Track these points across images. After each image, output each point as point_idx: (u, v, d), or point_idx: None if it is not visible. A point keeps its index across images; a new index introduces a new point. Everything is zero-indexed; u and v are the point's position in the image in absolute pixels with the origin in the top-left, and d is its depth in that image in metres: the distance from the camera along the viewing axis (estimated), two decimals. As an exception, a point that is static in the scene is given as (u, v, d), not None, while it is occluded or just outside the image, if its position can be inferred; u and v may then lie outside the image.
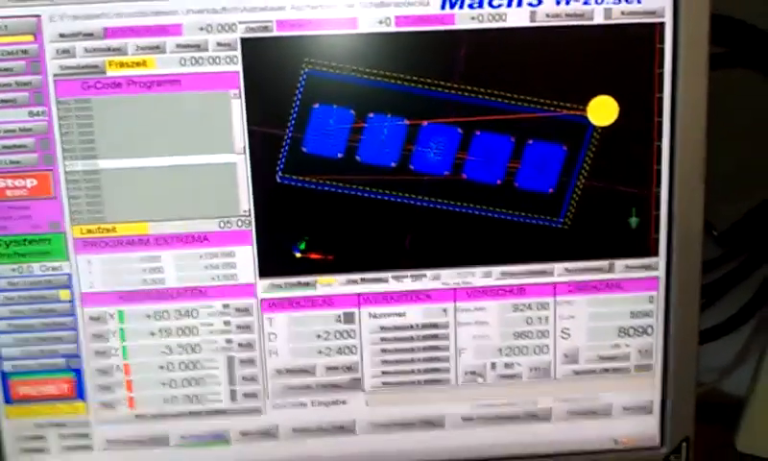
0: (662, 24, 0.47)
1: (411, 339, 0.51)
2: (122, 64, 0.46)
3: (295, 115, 0.47)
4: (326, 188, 0.48)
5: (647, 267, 0.50)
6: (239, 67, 0.47)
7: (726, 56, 0.64)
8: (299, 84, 0.47)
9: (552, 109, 0.48)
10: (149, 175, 0.48)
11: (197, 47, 0.46)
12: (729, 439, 0.59)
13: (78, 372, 0.50)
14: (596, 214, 0.49)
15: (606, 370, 0.51)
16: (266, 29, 0.46)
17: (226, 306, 0.50)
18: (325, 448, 0.52)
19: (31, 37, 0.46)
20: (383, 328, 0.50)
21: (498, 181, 0.48)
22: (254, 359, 0.50)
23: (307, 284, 0.50)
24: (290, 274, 0.49)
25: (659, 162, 0.48)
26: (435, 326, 0.50)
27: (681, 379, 0.51)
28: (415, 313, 0.50)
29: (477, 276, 0.50)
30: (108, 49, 0.46)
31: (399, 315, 0.50)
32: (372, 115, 0.47)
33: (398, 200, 0.48)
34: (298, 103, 0.47)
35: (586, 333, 0.51)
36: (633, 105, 0.48)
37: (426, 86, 0.47)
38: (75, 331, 0.50)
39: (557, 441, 0.52)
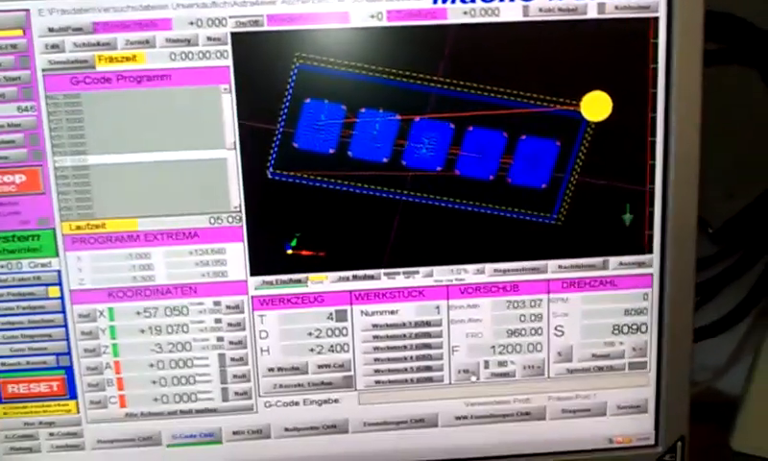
0: (656, 19, 0.46)
1: (403, 337, 0.50)
2: (111, 59, 0.46)
3: (286, 110, 0.47)
4: (318, 184, 0.48)
5: (641, 264, 0.50)
6: (230, 62, 0.46)
7: (721, 52, 0.63)
8: (290, 79, 0.46)
9: (545, 104, 0.47)
10: (139, 171, 0.47)
11: (187, 42, 0.46)
12: (724, 438, 0.59)
13: (68, 370, 0.50)
14: (590, 211, 0.49)
15: (600, 368, 0.51)
16: (256, 23, 0.46)
17: (216, 304, 0.49)
18: (318, 447, 0.51)
19: (20, 32, 0.46)
20: (375, 326, 0.50)
21: (491, 177, 0.48)
22: (246, 357, 0.50)
23: (299, 282, 0.49)
24: (281, 271, 0.49)
25: (653, 158, 0.48)
26: (427, 323, 0.50)
27: (675, 378, 0.50)
28: (407, 311, 0.50)
29: (470, 273, 0.49)
30: (98, 44, 0.46)
31: (392, 313, 0.50)
32: (363, 110, 0.47)
33: (390, 196, 0.48)
34: (289, 98, 0.47)
35: (579, 331, 0.50)
36: (626, 100, 0.47)
37: (418, 82, 0.47)
38: (65, 329, 0.49)
39: (551, 440, 0.52)
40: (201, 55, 0.46)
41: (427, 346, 0.50)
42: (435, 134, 0.47)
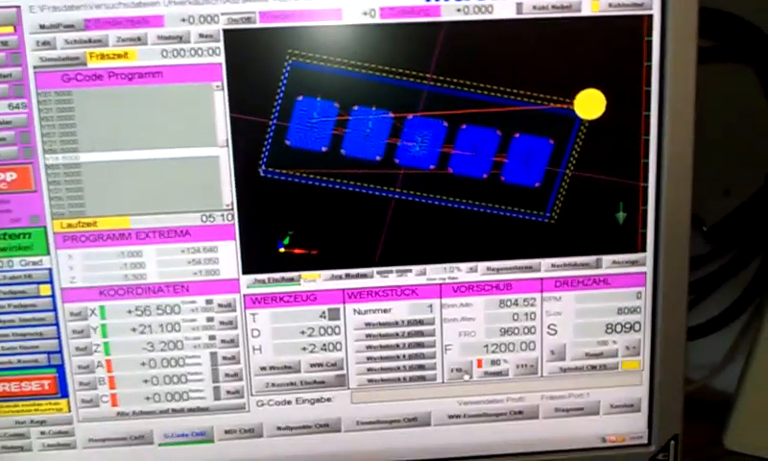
0: (650, 16, 0.46)
1: (396, 336, 0.50)
2: (103, 56, 0.46)
3: (278, 108, 0.47)
4: (310, 182, 0.48)
5: (634, 263, 0.50)
6: (222, 59, 0.46)
7: (716, 50, 0.63)
8: (282, 77, 0.46)
9: (539, 102, 0.47)
10: (130, 168, 0.47)
11: (179, 39, 0.46)
12: (718, 437, 0.59)
13: (59, 368, 0.50)
14: (583, 209, 0.49)
15: (593, 367, 0.51)
16: (249, 20, 0.46)
17: (208, 302, 0.49)
18: (310, 446, 0.51)
19: (10, 29, 0.45)
20: (368, 325, 0.50)
21: (484, 175, 0.48)
22: (238, 356, 0.50)
23: (291, 280, 0.49)
24: (274, 269, 0.49)
25: (646, 156, 0.48)
26: (420, 322, 0.50)
27: (669, 376, 0.50)
28: (400, 309, 0.50)
29: (463, 271, 0.49)
30: (89, 41, 0.46)
31: (385, 311, 0.50)
32: (356, 108, 0.47)
33: (383, 194, 0.48)
34: (281, 95, 0.46)
35: (572, 330, 0.50)
36: (620, 98, 0.47)
37: (411, 79, 0.47)
38: (56, 327, 0.49)
39: (544, 439, 0.52)
40: (193, 52, 0.46)
41: (420, 345, 0.50)
42: (428, 132, 0.47)
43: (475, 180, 0.48)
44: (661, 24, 0.46)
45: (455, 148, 0.47)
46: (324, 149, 0.47)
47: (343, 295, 0.49)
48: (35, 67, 0.46)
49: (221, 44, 0.46)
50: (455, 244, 0.49)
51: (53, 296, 0.49)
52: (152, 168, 0.47)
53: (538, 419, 0.52)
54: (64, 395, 0.50)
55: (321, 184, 0.48)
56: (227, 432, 0.51)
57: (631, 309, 0.50)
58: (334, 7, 0.46)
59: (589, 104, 0.47)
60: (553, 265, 0.49)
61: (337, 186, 0.48)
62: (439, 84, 0.47)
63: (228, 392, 0.50)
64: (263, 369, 0.50)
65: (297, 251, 0.48)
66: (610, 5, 0.46)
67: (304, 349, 0.50)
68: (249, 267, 0.49)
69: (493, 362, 0.51)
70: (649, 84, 0.47)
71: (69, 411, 0.50)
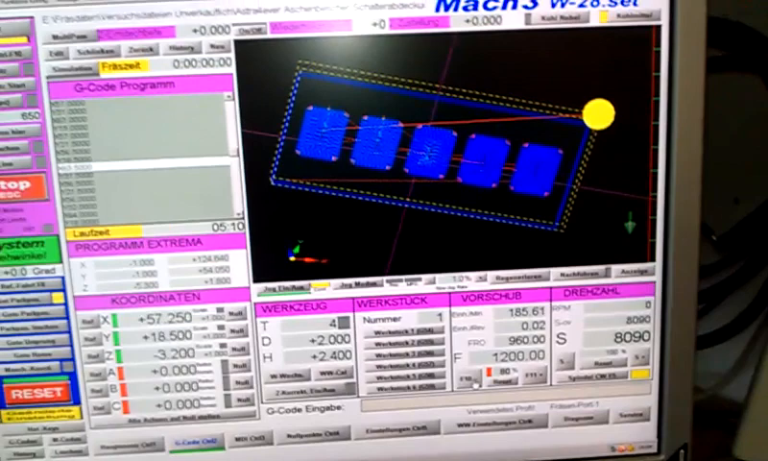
0: (659, 27, 0.47)
1: (406, 344, 0.50)
2: (115, 66, 0.46)
3: (289, 118, 0.47)
4: (320, 191, 0.48)
5: (643, 272, 0.49)
6: (233, 69, 0.46)
7: (723, 59, 0.63)
8: (292, 87, 0.47)
9: (548, 112, 0.47)
10: (142, 177, 0.47)
11: (190, 49, 0.46)
12: (728, 446, 0.58)
13: (72, 375, 0.50)
14: (592, 219, 0.49)
15: (602, 376, 0.51)
16: (260, 31, 0.46)
17: (219, 310, 0.49)
18: (320, 454, 0.51)
19: (24, 39, 0.46)
20: (378, 333, 0.50)
21: (493, 185, 0.48)
22: (248, 364, 0.50)
23: (301, 288, 0.49)
24: (284, 278, 0.49)
25: (655, 166, 0.48)
26: (430, 330, 0.50)
27: (678, 386, 0.50)
28: (410, 318, 0.50)
29: (472, 280, 0.49)
30: (102, 51, 0.46)
31: (394, 320, 0.50)
32: (366, 118, 0.47)
33: (393, 203, 0.48)
34: (291, 105, 0.47)
35: (582, 339, 0.50)
36: (629, 108, 0.47)
37: (421, 89, 0.47)
38: (68, 335, 0.49)
39: (553, 447, 0.52)
40: (204, 62, 0.46)
41: (429, 353, 0.50)
42: (437, 142, 0.47)
43: (484, 189, 0.48)
44: (670, 35, 0.46)
45: (464, 158, 0.48)
46: (333, 158, 0.47)
47: (353, 303, 0.49)
48: (48, 77, 0.46)
49: (232, 55, 0.46)
50: (464, 253, 0.49)
51: (65, 304, 0.49)
52: (163, 177, 0.47)
53: (547, 428, 0.52)
54: (77, 402, 0.50)
55: (331, 194, 0.48)
56: (237, 440, 0.51)
57: (640, 319, 0.50)
58: (344, 18, 0.46)
59: (598, 114, 0.47)
60: (562, 274, 0.49)
61: (347, 196, 0.48)
62: (448, 95, 0.47)
63: (239, 399, 0.50)
64: (273, 377, 0.50)
65: (307, 259, 0.49)
66: (618, 16, 0.46)
67: (314, 357, 0.50)
68: (259, 275, 0.49)
69: (503, 371, 0.51)
70: (658, 95, 0.47)
71: (81, 418, 0.50)
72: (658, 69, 0.47)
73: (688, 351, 0.50)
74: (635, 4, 0.46)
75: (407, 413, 0.51)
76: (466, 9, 0.46)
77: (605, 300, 0.50)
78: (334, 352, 0.50)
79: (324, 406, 0.51)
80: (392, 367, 0.50)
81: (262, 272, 0.49)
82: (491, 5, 0.46)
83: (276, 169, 0.47)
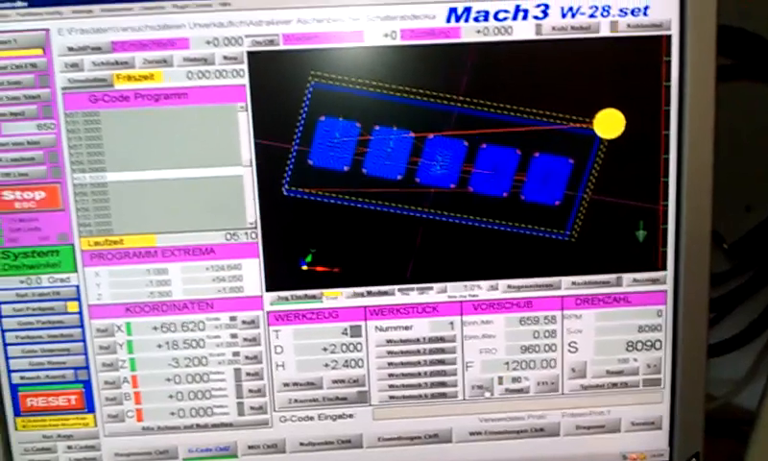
0: (669, 37, 0.47)
1: (417, 352, 0.50)
2: (129, 78, 0.47)
3: (301, 128, 0.47)
4: (332, 201, 0.48)
5: (655, 281, 0.49)
6: (246, 81, 0.47)
7: (733, 67, 0.63)
8: (305, 98, 0.47)
9: (559, 121, 0.47)
10: (156, 187, 0.48)
11: (204, 61, 0.47)
12: (740, 454, 0.58)
13: (86, 384, 0.50)
14: (603, 227, 0.49)
15: (614, 384, 0.51)
16: (272, 42, 0.46)
17: (232, 319, 0.50)
18: (332, 462, 0.52)
19: (40, 51, 0.46)
20: (390, 342, 0.50)
21: (504, 194, 0.48)
22: (261, 372, 0.50)
23: (313, 297, 0.49)
24: (296, 286, 0.49)
25: (666, 175, 0.48)
26: (441, 339, 0.50)
27: (690, 394, 0.50)
28: (421, 326, 0.50)
29: (484, 289, 0.50)
30: (116, 63, 0.47)
31: (406, 328, 0.50)
32: (377, 128, 0.47)
33: (404, 212, 0.48)
34: (304, 116, 0.47)
35: (593, 347, 0.50)
36: (639, 118, 0.47)
37: (432, 99, 0.47)
38: (83, 343, 0.50)
39: (565, 456, 0.52)
40: (217, 74, 0.47)
41: (441, 361, 0.50)
42: (449, 152, 0.48)
43: (495, 198, 0.48)
44: (680, 44, 0.46)
45: (475, 167, 0.48)
46: (345, 168, 0.48)
47: (364, 312, 0.50)
48: (63, 89, 0.47)
49: (245, 66, 0.46)
50: (476, 262, 0.49)
51: (80, 312, 0.49)
52: (177, 187, 0.48)
53: (559, 436, 0.52)
54: (91, 410, 0.51)
55: (342, 203, 0.48)
56: (250, 448, 0.51)
57: (651, 327, 0.50)
58: (356, 29, 0.46)
59: (609, 123, 0.47)
60: (574, 283, 0.49)
61: (359, 205, 0.48)
62: (459, 105, 0.47)
63: (252, 408, 0.51)
64: (286, 385, 0.50)
65: (319, 268, 0.49)
66: (628, 25, 0.46)
67: (327, 365, 0.50)
68: (272, 284, 0.49)
69: (514, 379, 0.51)
70: (668, 104, 0.47)
71: (95, 426, 0.51)
72: (668, 78, 0.47)
73: (700, 359, 0.50)
74: (645, 14, 0.46)
75: (419, 421, 0.51)
76: (477, 19, 0.46)
77: (616, 308, 0.50)
78: (346, 361, 0.50)
79: (336, 415, 0.51)
80: (403, 375, 0.51)
81: (275, 281, 0.49)
82: (501, 15, 0.46)
83: (288, 179, 0.48)
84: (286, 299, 0.49)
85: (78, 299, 0.49)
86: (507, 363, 0.51)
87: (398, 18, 0.46)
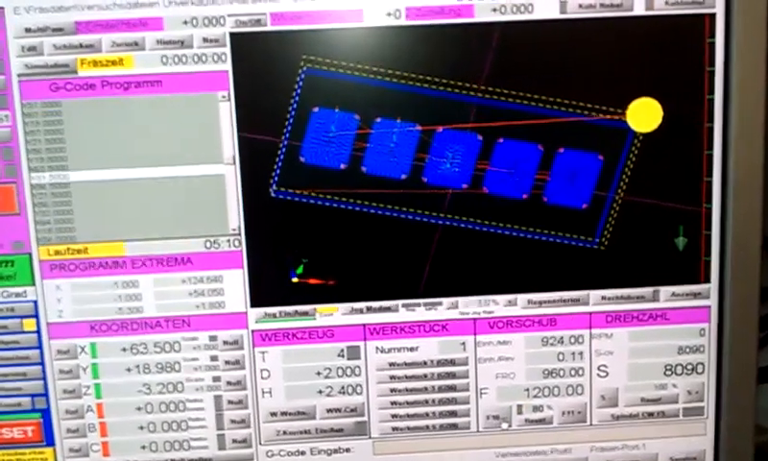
0: (713, 15, 0.45)
1: (424, 377, 0.49)
2: (95, 63, 0.45)
3: (292, 121, 0.46)
4: (327, 204, 0.47)
5: (697, 295, 0.48)
6: (228, 66, 0.45)
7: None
8: (296, 86, 0.45)
9: (586, 112, 0.46)
10: (126, 188, 0.46)
11: (180, 43, 0.45)
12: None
13: (45, 413, 0.49)
14: (637, 234, 0.47)
15: (650, 414, 0.49)
16: (259, 22, 0.45)
17: (212, 339, 0.48)
18: (326, 502, 0.51)
19: (-8, 33, 0.46)
20: (392, 365, 0.49)
21: (524, 196, 0.47)
22: (245, 400, 0.49)
23: (305, 314, 0.48)
24: (286, 302, 0.48)
25: (709, 174, 0.47)
26: (452, 362, 0.49)
27: (737, 425, 0.49)
28: (429, 347, 0.49)
29: (500, 304, 0.48)
30: (80, 46, 0.45)
31: (411, 350, 0.49)
32: (379, 120, 0.46)
33: (409, 217, 0.47)
34: (295, 106, 0.46)
35: (626, 372, 0.49)
36: (679, 108, 0.46)
37: (441, 88, 0.45)
38: (41, 367, 0.48)
39: (593, 496, 0.51)
40: (196, 58, 0.45)
41: (452, 388, 0.49)
42: (460, 147, 0.46)
43: (514, 201, 0.47)
44: (726, 23, 0.45)
45: (491, 165, 0.46)
46: (342, 166, 0.46)
47: (363, 331, 0.48)
48: (19, 75, 0.45)
49: (227, 50, 0.45)
50: (491, 274, 0.48)
51: (38, 331, 0.48)
52: (149, 188, 0.46)
53: (586, 473, 0.50)
54: (50, 443, 0.49)
55: (339, 206, 0.47)
56: (232, 486, 0.50)
57: (693, 348, 0.49)
58: (354, 7, 0.45)
59: (644, 115, 0.46)
60: (603, 298, 0.48)
61: (357, 208, 0.47)
62: (472, 94, 0.45)
63: (235, 441, 0.49)
64: (273, 415, 0.49)
65: (311, 281, 0.47)
66: (666, 3, 0.45)
67: (320, 392, 0.49)
68: (258, 299, 0.48)
69: (536, 408, 0.49)
70: (712, 92, 0.46)
71: (55, 461, 0.50)
72: (712, 63, 0.46)
73: (749, 385, 0.48)
74: (685, -12, 0.45)
75: (425, 456, 0.50)
76: (492, -5, 0.45)
77: (653, 327, 0.49)
78: (343, 387, 0.49)
79: (331, 449, 0.50)
80: (408, 404, 0.49)
81: (261, 295, 0.48)
82: (521, -10, 0.45)
83: (276, 179, 0.46)
84: (274, 316, 0.48)
85: (35, 316, 0.48)
86: (527, 390, 0.49)
87: (403, -5, 0.45)
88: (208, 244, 0.47)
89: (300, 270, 0.47)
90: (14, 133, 0.45)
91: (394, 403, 0.49)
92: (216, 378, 0.48)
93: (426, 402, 0.49)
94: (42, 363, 0.48)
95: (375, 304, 0.48)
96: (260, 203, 0.46)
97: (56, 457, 0.49)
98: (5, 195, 0.46)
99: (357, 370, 0.49)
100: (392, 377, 0.49)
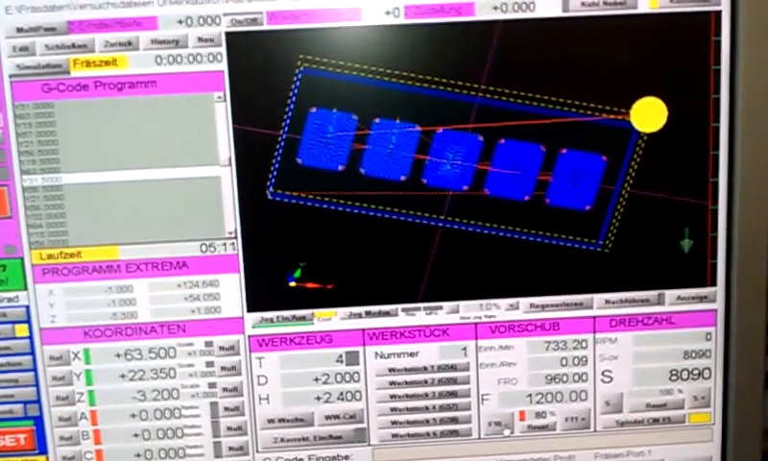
0: (719, 13, 0.45)
1: (425, 383, 0.49)
2: (89, 63, 0.45)
3: (288, 121, 0.46)
4: (325, 206, 0.46)
5: (703, 298, 0.48)
6: (224, 66, 0.45)
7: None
8: (293, 85, 0.45)
9: (589, 112, 0.46)
10: (119, 191, 0.46)
11: (175, 43, 0.45)
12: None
13: (37, 420, 0.49)
14: (642, 236, 0.47)
15: (655, 420, 0.49)
16: (255, 22, 0.45)
17: (208, 344, 0.48)
18: (325, 511, 0.50)
19: (-17, 33, 0.45)
20: (392, 371, 0.49)
21: (526, 198, 0.47)
22: (242, 407, 0.49)
23: (303, 319, 0.48)
24: (283, 306, 0.48)
25: (715, 174, 0.47)
26: (453, 367, 0.49)
27: (744, 431, 0.49)
28: (429, 353, 0.48)
29: (502, 309, 0.48)
30: (73, 46, 0.45)
31: (411, 355, 0.48)
32: (377, 121, 0.46)
33: (409, 219, 0.47)
34: (292, 107, 0.45)
35: (631, 377, 0.49)
36: (684, 107, 0.46)
37: (441, 87, 0.45)
38: (34, 373, 0.48)
39: (597, 503, 0.50)
40: (191, 58, 0.45)
41: (453, 394, 0.49)
42: (461, 148, 0.46)
43: (516, 202, 0.47)
44: (732, 21, 0.45)
45: (492, 166, 0.46)
46: (340, 168, 0.46)
47: (362, 336, 0.48)
48: (11, 76, 0.45)
49: (223, 49, 0.45)
50: (493, 277, 0.47)
51: (30, 337, 0.48)
52: (144, 191, 0.46)
53: (590, 480, 0.49)
54: (43, 451, 0.49)
55: (337, 208, 0.46)
56: (228, 495, 0.49)
57: (699, 353, 0.49)
58: (352, 5, 0.45)
59: (648, 114, 0.46)
60: (607, 301, 0.48)
61: (356, 211, 0.46)
62: (473, 93, 0.45)
63: (231, 448, 0.49)
64: (271, 422, 0.49)
65: (309, 285, 0.47)
66: (671, 0, 0.45)
67: (318, 398, 0.49)
68: (254, 304, 0.48)
69: (538, 414, 0.49)
70: (718, 91, 0.46)
71: (48, 470, 0.49)
72: (718, 62, 0.45)
73: (756, 390, 0.48)
74: (690, -15, 0.44)
75: None
76: (493, -8, 0.44)
77: (658, 331, 0.48)
78: (341, 393, 0.49)
79: (329, 456, 0.49)
80: (408, 410, 0.49)
81: (258, 299, 0.48)
82: (522, -12, 0.44)
83: (273, 180, 0.46)
84: (271, 321, 0.48)
85: (28, 321, 0.48)
86: (530, 395, 0.49)
87: (402, -7, 0.44)
88: (204, 248, 0.47)
89: (297, 274, 0.47)
90: (6, 134, 0.45)
91: (393, 410, 0.49)
92: (212, 385, 0.48)
93: (427, 409, 0.49)
94: (35, 369, 0.48)
95: (375, 309, 0.48)
96: (257, 205, 0.46)
97: (48, 466, 0.48)
98: (-4, 198, 0.45)
99: (356, 376, 0.48)
100: (391, 383, 0.48)
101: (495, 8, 0.44)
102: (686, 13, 0.45)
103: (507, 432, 0.49)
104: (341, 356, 0.48)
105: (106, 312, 0.47)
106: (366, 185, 0.46)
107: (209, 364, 0.48)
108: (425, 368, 0.48)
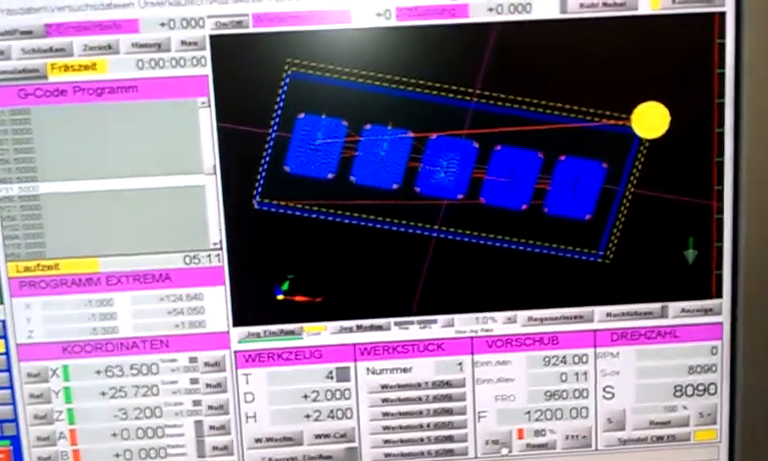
0: (723, 14, 0.45)
1: (419, 400, 0.48)
2: (67, 68, 0.45)
3: (275, 128, 0.45)
4: (314, 216, 0.46)
5: (708, 311, 0.48)
6: (208, 70, 0.45)
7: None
8: (280, 91, 0.45)
9: (589, 118, 0.45)
10: (99, 201, 0.46)
11: (157, 46, 0.45)
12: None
13: (14, 440, 0.48)
14: (644, 246, 0.47)
15: (659, 438, 0.49)
16: (240, 24, 0.45)
17: (192, 360, 0.48)
18: (315, 534, 0.50)
19: (-44, 36, 0.45)
20: (384, 387, 0.48)
21: (524, 207, 0.46)
22: (228, 425, 0.48)
23: (292, 333, 0.48)
24: (270, 320, 0.47)
25: (720, 182, 0.46)
26: (448, 384, 0.48)
27: (752, 450, 0.48)
28: (423, 368, 0.48)
29: (499, 322, 0.48)
30: (51, 49, 0.45)
31: (404, 371, 0.48)
32: (368, 127, 0.45)
33: (402, 229, 0.46)
34: (279, 112, 0.45)
35: (634, 393, 0.49)
36: (687, 112, 0.46)
37: (435, 92, 0.45)
38: (10, 391, 0.48)
39: (599, 525, 0.49)
40: (174, 62, 0.45)
41: (448, 411, 0.49)
42: (455, 155, 0.46)
43: (512, 212, 0.46)
44: (736, 23, 0.45)
45: (488, 173, 0.46)
46: (330, 176, 0.46)
47: (354, 351, 0.48)
48: None
49: (207, 53, 0.45)
50: (489, 289, 0.47)
51: (7, 353, 0.47)
52: (125, 201, 0.46)
53: (591, 501, 0.49)
54: None
55: (326, 218, 0.46)
56: (214, 518, 0.49)
57: (705, 368, 0.48)
58: (341, 7, 0.45)
59: (650, 120, 0.45)
60: (609, 314, 0.48)
61: (346, 220, 0.46)
62: (467, 98, 0.45)
63: None
64: (258, 441, 0.49)
65: (298, 298, 0.47)
66: (673, 1, 0.45)
67: (308, 416, 0.48)
68: (240, 318, 0.47)
69: (537, 432, 0.49)
70: (722, 96, 0.45)
71: (25, 492, 0.49)
72: (722, 65, 0.45)
73: (765, 406, 0.48)
74: (693, -14, 0.44)
75: None
76: (488, -7, 0.44)
77: (661, 345, 0.48)
78: (332, 411, 0.48)
79: None
80: (401, 428, 0.49)
81: (244, 313, 0.47)
82: (518, -11, 0.44)
83: (260, 189, 0.46)
84: (258, 335, 0.47)
85: (4, 336, 0.47)
86: (528, 412, 0.49)
87: (393, -6, 0.44)
88: (188, 259, 0.46)
89: (285, 286, 0.47)
90: (-20, 142, 0.45)
91: (386, 428, 0.48)
92: (197, 402, 0.48)
93: (421, 427, 0.49)
94: (11, 387, 0.47)
95: (366, 323, 0.47)
96: (243, 215, 0.46)
97: (26, 488, 0.48)
98: (-30, 208, 0.45)
99: (347, 392, 0.48)
100: (384, 400, 0.48)
101: (491, 9, 0.44)
102: (689, 15, 0.45)
103: (505, 451, 0.49)
104: (331, 372, 0.48)
105: (85, 327, 0.47)
106: (356, 194, 0.46)
107: (194, 381, 0.48)
108: (419, 384, 0.48)
